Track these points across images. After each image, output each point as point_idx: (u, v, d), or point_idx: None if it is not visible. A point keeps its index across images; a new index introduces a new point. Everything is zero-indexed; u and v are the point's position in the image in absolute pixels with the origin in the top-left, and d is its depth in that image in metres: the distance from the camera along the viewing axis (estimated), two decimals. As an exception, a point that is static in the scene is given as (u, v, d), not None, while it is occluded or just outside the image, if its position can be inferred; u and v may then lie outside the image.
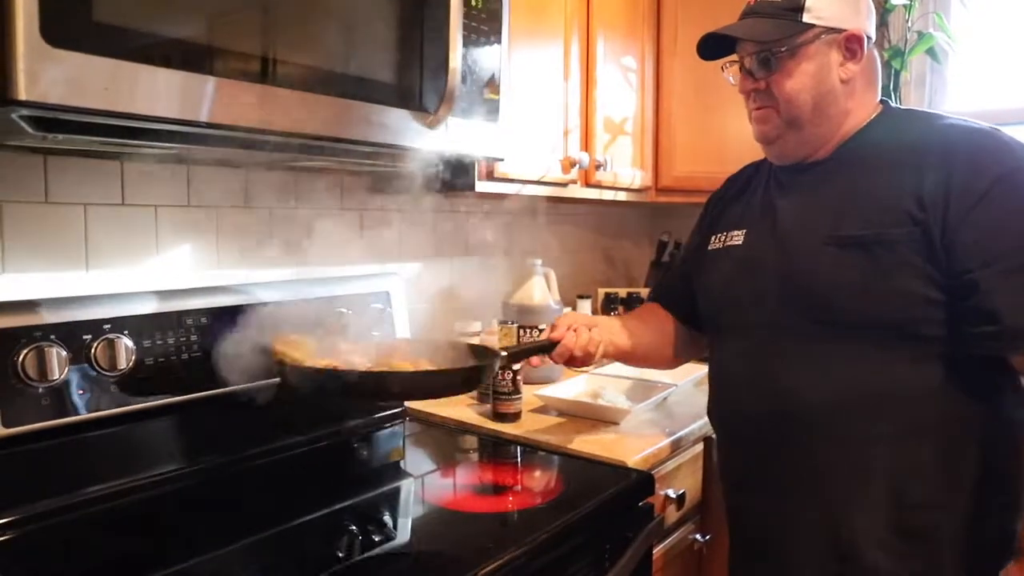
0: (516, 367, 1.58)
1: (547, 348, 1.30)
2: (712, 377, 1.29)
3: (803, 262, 1.09)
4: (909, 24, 2.16)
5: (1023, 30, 2.18)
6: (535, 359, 1.36)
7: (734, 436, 1.24)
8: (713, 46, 1.19)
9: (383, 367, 1.21)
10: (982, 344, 0.99)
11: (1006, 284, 0.96)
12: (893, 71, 2.18)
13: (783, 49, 1.10)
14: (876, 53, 1.18)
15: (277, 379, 1.24)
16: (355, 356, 1.22)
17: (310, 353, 1.20)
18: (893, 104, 1.21)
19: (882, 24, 2.25)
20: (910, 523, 1.03)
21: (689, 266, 1.39)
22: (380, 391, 1.17)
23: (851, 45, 1.11)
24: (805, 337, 1.08)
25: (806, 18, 1.09)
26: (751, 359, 1.15)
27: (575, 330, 1.29)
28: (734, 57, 1.20)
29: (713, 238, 1.30)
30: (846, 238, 1.04)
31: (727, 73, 1.23)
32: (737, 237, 1.23)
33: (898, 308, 1.01)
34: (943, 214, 0.99)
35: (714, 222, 1.33)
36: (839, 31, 1.10)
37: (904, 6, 2.15)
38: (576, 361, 1.29)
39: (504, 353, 1.26)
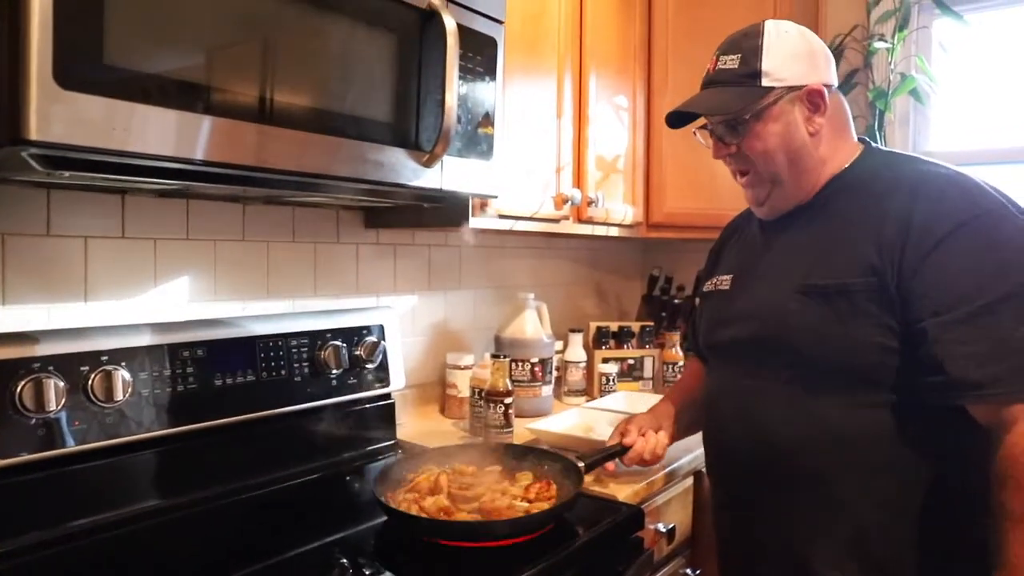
0: (508, 400, 1.60)
1: (620, 453, 1.40)
2: (705, 408, 1.34)
3: (775, 310, 1.13)
4: (892, 66, 2.23)
5: (1000, 73, 2.25)
6: (610, 465, 1.42)
7: (721, 465, 1.29)
8: (681, 114, 1.21)
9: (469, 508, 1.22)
10: (931, 394, 0.99)
11: (952, 335, 0.96)
12: (878, 111, 2.25)
13: (747, 116, 1.14)
14: (841, 97, 1.20)
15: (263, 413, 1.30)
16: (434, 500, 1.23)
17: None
18: (875, 144, 1.23)
19: (866, 66, 2.32)
20: (873, 556, 1.06)
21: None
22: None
23: (813, 99, 1.14)
24: (776, 379, 1.13)
25: (765, 82, 1.12)
26: (733, 397, 1.22)
27: (643, 435, 1.40)
28: (703, 121, 1.23)
29: (709, 281, 1.37)
30: (811, 287, 1.09)
31: (699, 136, 1.26)
32: (726, 282, 1.29)
33: (856, 355, 1.04)
34: (899, 263, 1.01)
35: (713, 266, 1.41)
36: (799, 88, 1.13)
37: (887, 49, 2.22)
38: (647, 463, 1.40)
39: (581, 465, 1.32)
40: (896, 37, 2.21)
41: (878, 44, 2.23)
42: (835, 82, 1.19)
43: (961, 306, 0.96)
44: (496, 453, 1.41)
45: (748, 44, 1.14)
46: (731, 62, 1.15)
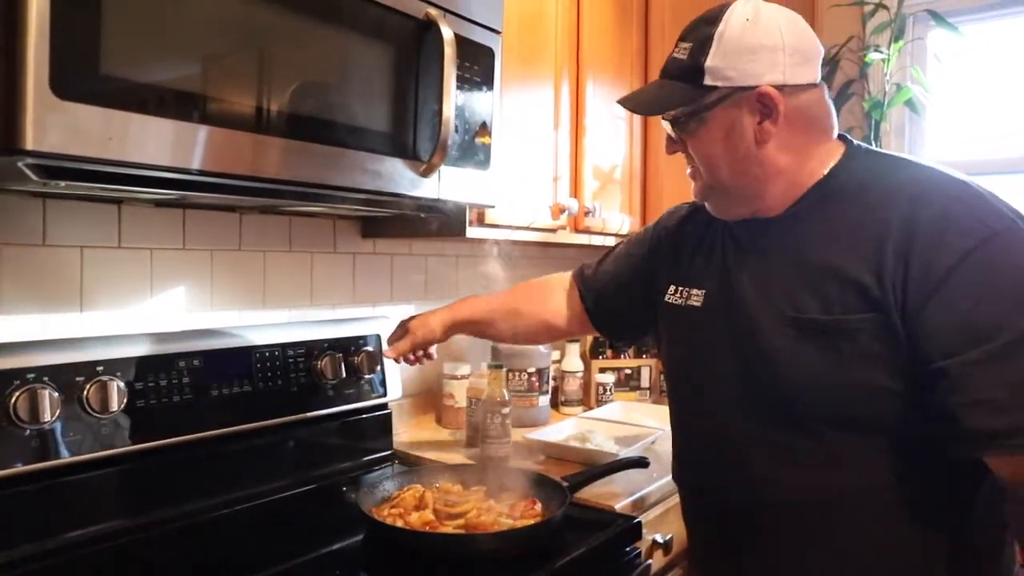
0: (505, 410, 1.59)
1: (605, 473, 1.43)
2: (676, 442, 1.20)
3: (763, 348, 0.99)
4: (888, 77, 2.24)
5: (994, 84, 2.26)
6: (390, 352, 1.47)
7: (699, 512, 1.18)
8: (636, 104, 1.12)
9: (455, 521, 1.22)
10: (944, 444, 0.89)
11: (967, 379, 0.84)
12: (873, 122, 2.26)
13: (685, 117, 1.02)
14: (819, 96, 1.03)
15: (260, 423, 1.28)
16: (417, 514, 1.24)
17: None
18: (856, 143, 1.06)
19: (862, 76, 2.33)
20: None
21: (637, 289, 1.30)
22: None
23: (764, 103, 0.98)
24: (765, 422, 1.00)
25: (707, 80, 0.98)
26: (715, 438, 1.08)
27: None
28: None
29: (673, 287, 1.18)
30: (806, 322, 0.95)
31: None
32: (696, 297, 1.13)
33: (860, 402, 0.92)
34: (902, 297, 0.88)
35: (674, 263, 1.21)
36: (748, 89, 0.98)
37: (883, 60, 2.23)
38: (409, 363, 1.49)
39: (567, 485, 1.32)
40: (892, 48, 2.22)
41: (874, 55, 2.24)
42: (809, 80, 1.00)
43: (977, 347, 0.84)
44: (481, 473, 1.41)
45: (702, 32, 0.99)
46: (683, 51, 1.02)
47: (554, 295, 1.47)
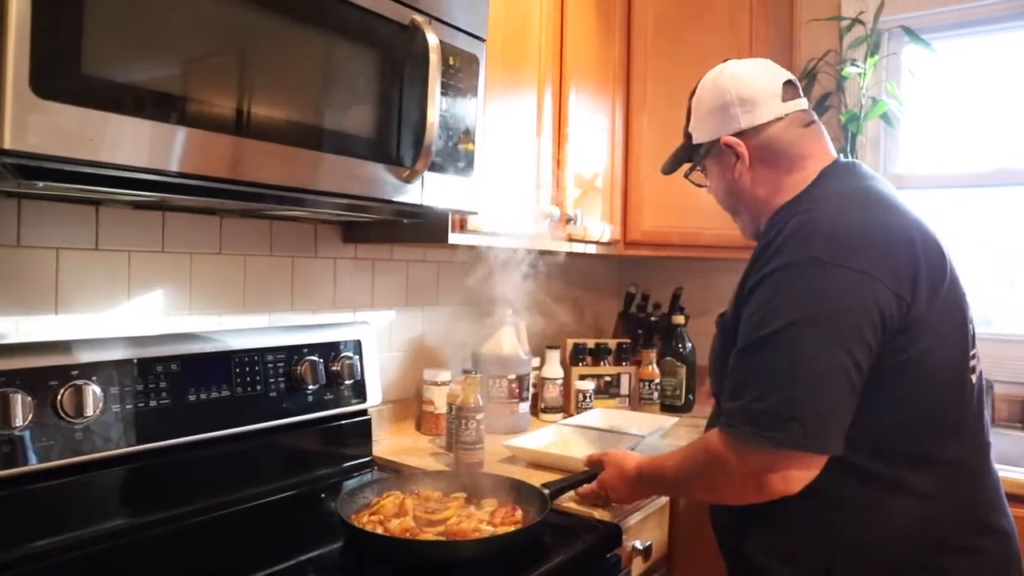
0: (480, 417, 1.58)
1: (585, 481, 1.41)
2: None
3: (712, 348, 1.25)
4: (864, 90, 2.28)
5: (965, 99, 2.32)
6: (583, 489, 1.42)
7: None
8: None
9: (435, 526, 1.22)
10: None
11: (732, 365, 1.07)
12: (850, 134, 2.30)
13: (692, 166, 1.34)
14: (788, 125, 1.19)
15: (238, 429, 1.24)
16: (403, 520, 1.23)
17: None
18: (835, 165, 1.20)
19: (839, 89, 2.37)
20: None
21: None
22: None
23: (732, 149, 1.22)
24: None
25: (696, 139, 1.29)
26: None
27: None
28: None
29: None
30: (720, 318, 1.21)
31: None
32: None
33: (722, 382, 1.12)
34: (742, 298, 1.11)
35: None
36: (716, 142, 1.24)
37: (859, 74, 2.27)
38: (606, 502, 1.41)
39: (547, 492, 1.32)
40: (868, 62, 2.26)
41: (850, 69, 2.28)
42: (765, 119, 1.19)
43: (742, 342, 1.06)
44: (461, 480, 1.41)
45: (688, 104, 1.31)
46: (685, 118, 1.33)
47: None
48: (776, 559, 1.12)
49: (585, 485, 1.40)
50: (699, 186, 1.37)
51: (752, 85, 1.20)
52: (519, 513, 1.26)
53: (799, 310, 1.00)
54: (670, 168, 1.38)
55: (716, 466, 1.07)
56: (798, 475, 1.01)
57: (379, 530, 1.18)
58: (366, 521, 1.21)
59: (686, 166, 1.37)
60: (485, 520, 1.23)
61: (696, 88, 1.29)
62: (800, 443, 0.98)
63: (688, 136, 1.31)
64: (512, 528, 1.21)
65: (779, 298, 1.02)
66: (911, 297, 1.01)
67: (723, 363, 1.12)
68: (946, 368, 1.07)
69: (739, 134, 1.21)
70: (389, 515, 1.23)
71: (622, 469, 1.32)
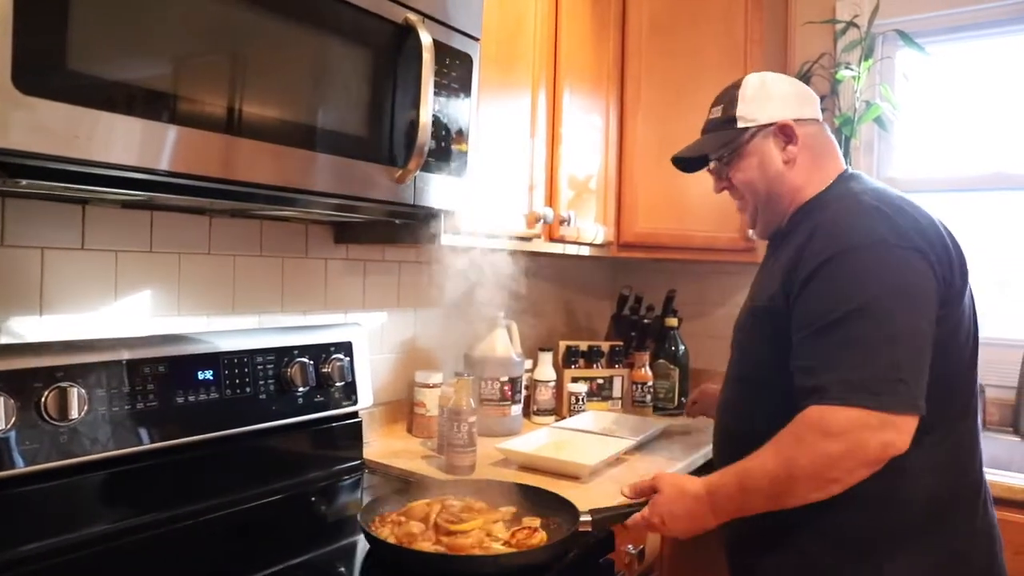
0: (472, 419, 1.57)
1: (632, 512, 1.22)
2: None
3: (739, 324, 1.33)
4: (858, 94, 2.28)
5: (959, 103, 2.32)
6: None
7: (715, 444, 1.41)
8: (687, 161, 1.40)
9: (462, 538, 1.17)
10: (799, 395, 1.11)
11: (798, 350, 1.11)
12: (844, 138, 2.29)
13: (728, 153, 1.32)
14: (821, 129, 1.32)
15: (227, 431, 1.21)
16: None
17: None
18: (853, 171, 1.30)
19: (833, 93, 2.37)
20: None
21: None
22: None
23: (785, 132, 1.27)
24: (735, 379, 1.33)
25: (740, 124, 1.30)
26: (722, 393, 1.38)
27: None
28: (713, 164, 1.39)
29: None
30: (752, 309, 1.28)
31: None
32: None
33: (758, 365, 1.24)
34: (789, 290, 1.15)
35: None
36: (771, 124, 1.28)
37: (853, 77, 2.27)
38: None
39: (588, 519, 1.20)
40: (862, 66, 2.26)
41: (845, 72, 2.28)
42: (813, 116, 1.31)
43: (807, 328, 1.10)
44: (508, 494, 1.35)
45: (730, 95, 1.32)
46: (716, 112, 1.34)
47: None
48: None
49: (635, 515, 1.21)
50: (718, 179, 1.37)
51: (800, 88, 1.33)
52: (537, 538, 1.19)
53: (880, 286, 1.06)
54: (709, 150, 1.35)
55: (831, 442, 1.03)
56: (903, 439, 1.03)
57: (396, 530, 1.17)
58: (390, 520, 1.21)
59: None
60: (501, 540, 1.18)
61: (740, 82, 1.32)
62: (914, 404, 1.03)
63: (731, 120, 1.30)
64: (508, 551, 1.15)
65: (856, 277, 1.08)
66: (949, 279, 1.11)
67: (748, 344, 1.26)
68: (964, 350, 1.16)
69: (793, 120, 1.27)
70: (414, 518, 1.21)
71: (683, 491, 1.17)
